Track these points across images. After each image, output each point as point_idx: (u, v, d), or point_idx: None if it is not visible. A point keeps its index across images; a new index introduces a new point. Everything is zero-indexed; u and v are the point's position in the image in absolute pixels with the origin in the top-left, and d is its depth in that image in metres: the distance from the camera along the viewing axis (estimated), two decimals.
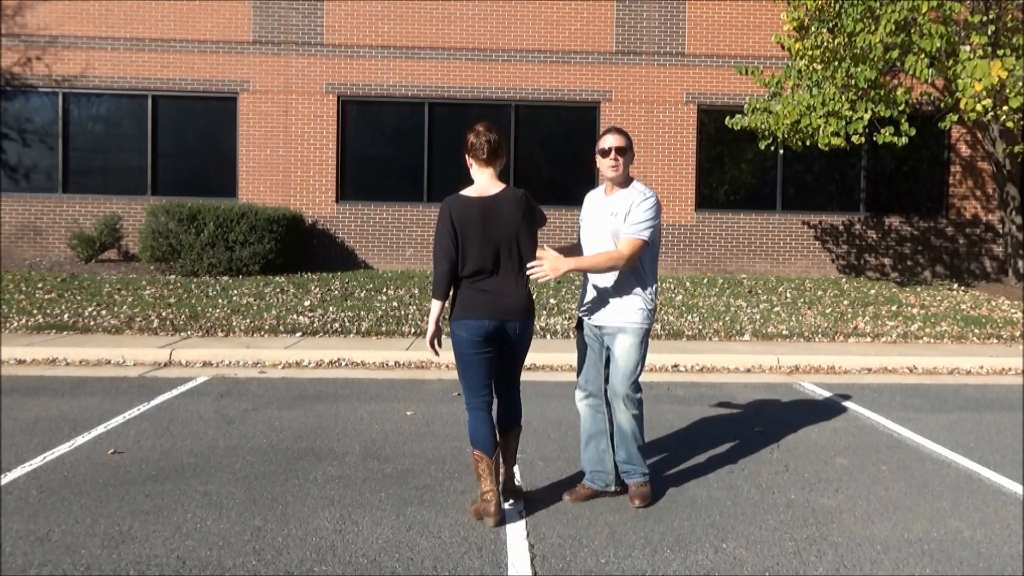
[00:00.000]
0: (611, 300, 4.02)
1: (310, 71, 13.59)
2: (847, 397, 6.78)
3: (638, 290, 4.02)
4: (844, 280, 13.29)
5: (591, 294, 4.11)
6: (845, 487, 4.47)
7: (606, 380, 4.15)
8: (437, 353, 3.83)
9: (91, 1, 13.40)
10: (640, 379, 4.07)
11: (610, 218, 4.00)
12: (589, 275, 4.09)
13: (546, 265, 3.72)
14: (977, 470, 4.82)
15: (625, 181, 4.08)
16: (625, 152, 4.01)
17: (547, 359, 7.92)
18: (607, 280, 4.02)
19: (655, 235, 4.00)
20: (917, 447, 5.32)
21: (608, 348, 4.08)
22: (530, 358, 7.88)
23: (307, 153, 13.66)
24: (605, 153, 4.01)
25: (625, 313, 4.00)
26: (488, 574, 3.31)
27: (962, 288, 13.03)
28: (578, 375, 4.23)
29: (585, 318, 4.16)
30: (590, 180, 13.75)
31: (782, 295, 11.71)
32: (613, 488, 4.19)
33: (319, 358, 7.87)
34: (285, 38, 13.56)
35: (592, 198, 4.23)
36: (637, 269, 4.01)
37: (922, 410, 6.39)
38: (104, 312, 9.56)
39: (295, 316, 9.54)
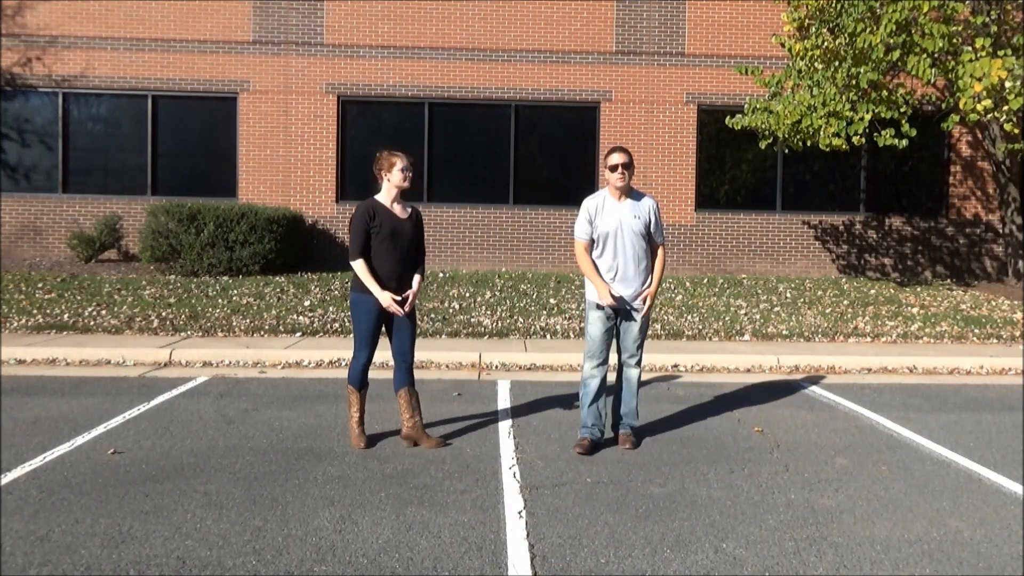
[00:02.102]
0: (633, 286, 5.09)
1: (310, 71, 13.59)
2: (847, 397, 6.78)
3: (645, 277, 5.14)
4: (844, 280, 13.29)
5: (618, 285, 5.08)
6: (845, 487, 4.47)
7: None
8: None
9: (91, 1, 13.40)
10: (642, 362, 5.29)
11: (634, 220, 5.06)
12: (606, 270, 5.09)
13: (650, 302, 5.16)
14: (977, 470, 4.82)
15: (629, 189, 5.11)
16: (629, 167, 5.03)
17: (548, 359, 7.92)
18: (631, 272, 5.06)
19: None
20: (917, 447, 5.32)
21: (621, 321, 5.14)
22: (530, 358, 7.90)
23: (307, 153, 13.66)
24: (614, 168, 5.01)
25: (638, 294, 5.14)
26: (488, 574, 3.31)
27: (962, 288, 13.03)
28: (591, 349, 5.14)
29: (609, 304, 5.06)
30: (590, 180, 13.76)
31: (782, 295, 11.71)
32: (605, 436, 5.24)
33: (319, 358, 7.87)
34: (285, 38, 13.56)
35: (605, 202, 5.11)
36: (645, 262, 5.13)
37: (922, 410, 6.38)
38: (104, 312, 9.56)
39: (295, 316, 9.54)
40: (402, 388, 5.16)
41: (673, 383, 7.29)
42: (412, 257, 5.12)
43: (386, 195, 5.06)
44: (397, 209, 5.06)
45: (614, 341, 5.22)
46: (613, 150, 5.05)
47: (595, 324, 5.12)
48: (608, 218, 5.04)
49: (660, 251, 5.18)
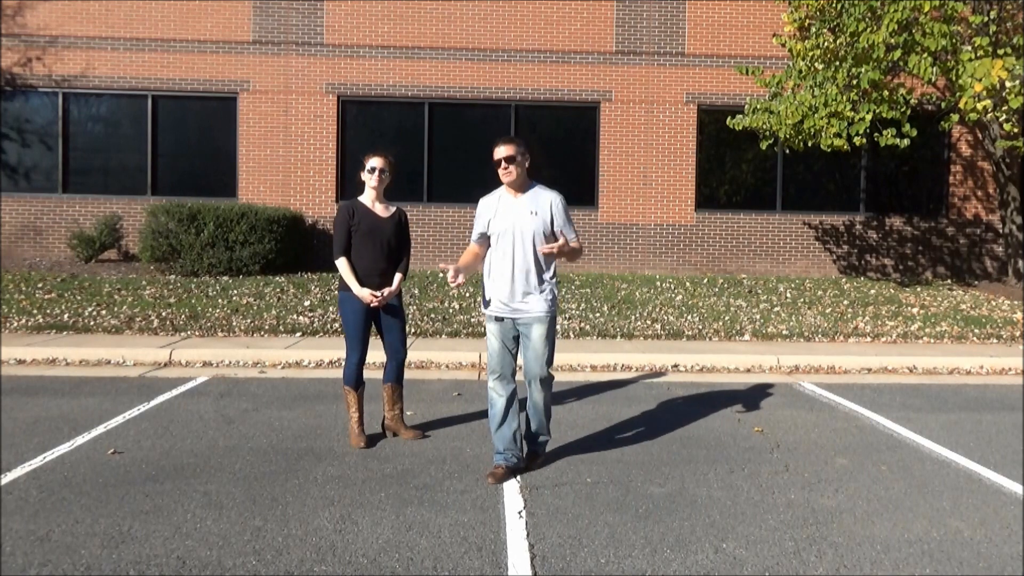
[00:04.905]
0: (524, 296, 4.47)
1: (310, 71, 13.59)
2: (847, 397, 6.78)
3: (546, 285, 4.51)
4: (844, 280, 13.29)
5: (505, 293, 4.49)
6: (845, 487, 4.46)
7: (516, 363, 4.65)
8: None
9: (91, 1, 13.39)
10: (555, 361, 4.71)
11: (531, 216, 4.46)
12: (500, 275, 4.49)
13: (553, 248, 4.40)
14: (977, 470, 4.82)
15: (525, 184, 4.56)
16: (514, 159, 4.43)
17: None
18: (520, 279, 4.46)
19: None
20: (917, 447, 5.32)
21: (521, 336, 4.54)
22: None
23: (307, 153, 13.66)
24: (497, 164, 4.45)
25: (537, 305, 4.48)
26: (488, 574, 3.31)
27: (963, 288, 13.03)
28: (490, 364, 4.61)
29: (499, 314, 4.52)
30: (591, 180, 13.76)
31: (782, 295, 11.71)
32: (523, 464, 4.62)
33: (319, 358, 7.87)
34: (285, 38, 13.56)
35: (501, 200, 4.57)
36: (547, 267, 4.53)
37: (922, 410, 6.38)
38: (104, 312, 9.56)
39: (295, 316, 9.54)
40: (389, 382, 5.31)
41: (673, 383, 7.29)
42: (395, 255, 5.23)
43: (367, 195, 5.24)
44: (379, 208, 5.21)
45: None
46: (498, 143, 4.47)
47: (491, 336, 4.58)
48: (503, 217, 4.50)
49: (576, 243, 4.60)
